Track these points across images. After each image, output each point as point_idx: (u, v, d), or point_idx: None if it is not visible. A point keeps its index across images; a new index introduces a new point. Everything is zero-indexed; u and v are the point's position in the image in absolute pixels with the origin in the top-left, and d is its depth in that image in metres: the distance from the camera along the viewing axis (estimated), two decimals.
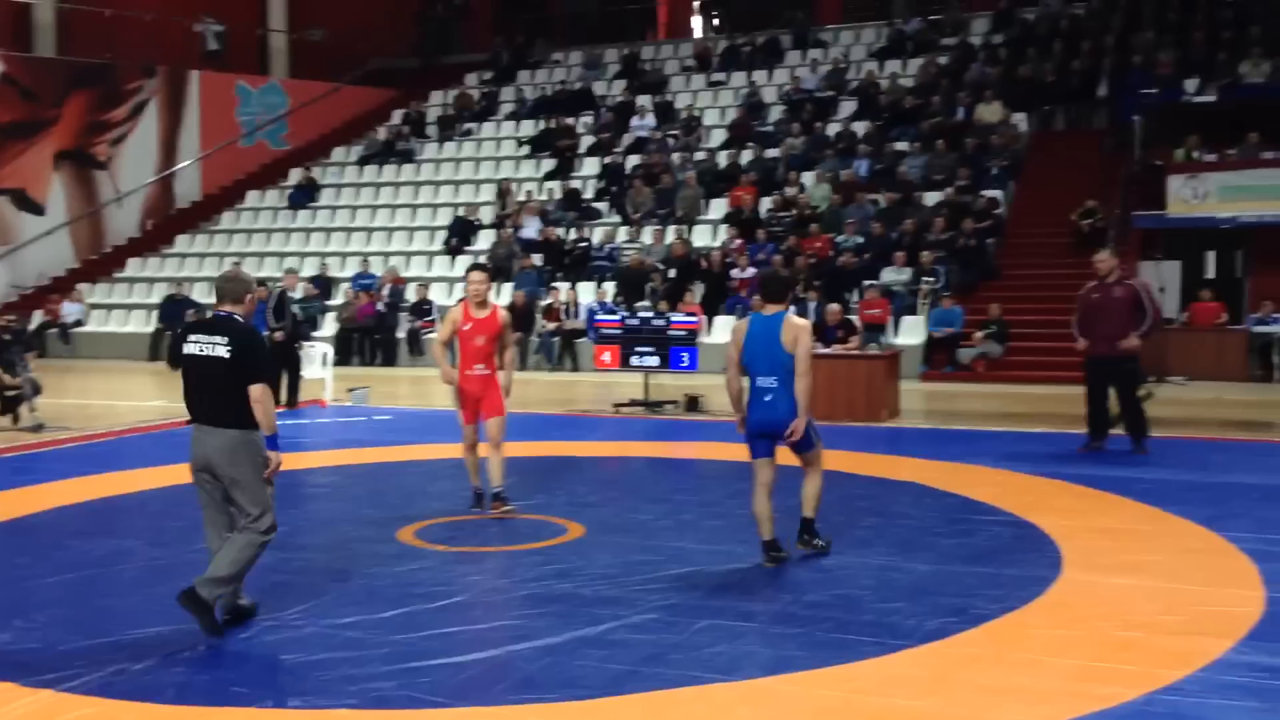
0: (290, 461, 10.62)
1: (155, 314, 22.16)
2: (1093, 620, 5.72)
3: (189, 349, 5.75)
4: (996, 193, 19.76)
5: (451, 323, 8.10)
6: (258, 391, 5.65)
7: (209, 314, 5.95)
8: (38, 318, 22.48)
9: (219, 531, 5.74)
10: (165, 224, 26.37)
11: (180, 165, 26.95)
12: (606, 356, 14.11)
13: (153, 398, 16.18)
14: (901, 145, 21.32)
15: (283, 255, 23.24)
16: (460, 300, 8.31)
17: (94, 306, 23.29)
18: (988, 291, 17.88)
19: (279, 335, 14.00)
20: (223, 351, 5.63)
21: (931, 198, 19.74)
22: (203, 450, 5.68)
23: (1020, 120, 21.43)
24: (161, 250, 25.14)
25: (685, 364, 13.71)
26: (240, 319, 5.80)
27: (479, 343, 8.01)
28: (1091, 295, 10.56)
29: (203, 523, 5.84)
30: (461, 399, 8.12)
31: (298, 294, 17.42)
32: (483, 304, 8.08)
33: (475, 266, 8.28)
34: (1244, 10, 22.08)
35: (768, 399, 6.72)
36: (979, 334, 16.83)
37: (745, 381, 6.90)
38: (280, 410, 13.76)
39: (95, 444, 11.66)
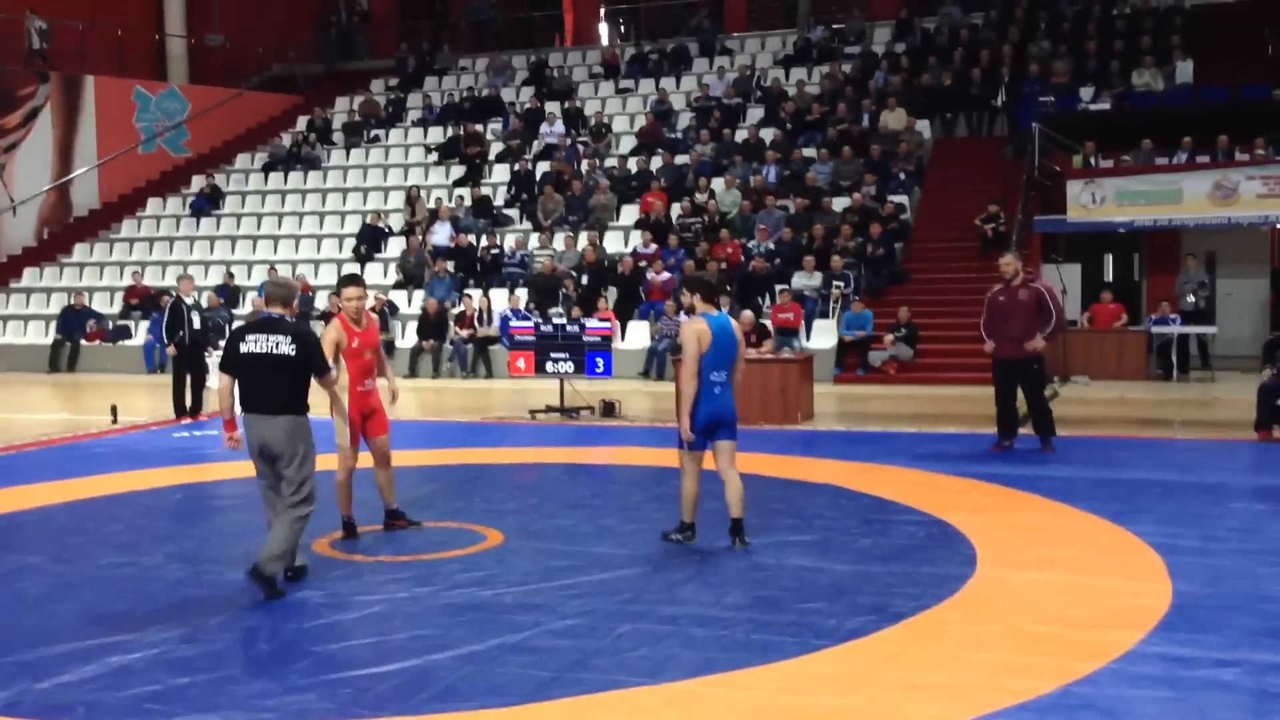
0: (199, 473, 10.43)
1: (54, 324, 21.51)
2: (1008, 616, 5.83)
3: (246, 348, 6.44)
4: (902, 198, 20.11)
5: (333, 343, 7.43)
6: (332, 377, 6.82)
7: (260, 316, 6.70)
8: None
9: (274, 508, 6.55)
10: (63, 233, 25.65)
11: (77, 172, 26.22)
12: (521, 363, 14.04)
13: (54, 410, 15.72)
14: (809, 152, 21.58)
15: (186, 264, 22.75)
16: (334, 316, 7.77)
17: None
18: (896, 295, 18.18)
19: (171, 350, 13.74)
20: (287, 349, 6.42)
21: (840, 203, 20.00)
22: (260, 436, 6.44)
23: (924, 127, 21.84)
24: (59, 259, 24.44)
25: (600, 370, 13.70)
26: (290, 320, 6.58)
27: (368, 356, 7.67)
28: (998, 298, 10.78)
29: (263, 501, 6.69)
30: (353, 422, 7.63)
31: (203, 302, 17.05)
32: (358, 318, 7.66)
33: (349, 279, 7.77)
34: (1135, 22, 22.79)
35: (717, 392, 7.14)
36: (889, 337, 17.10)
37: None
38: (186, 421, 13.56)
39: None
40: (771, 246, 19.28)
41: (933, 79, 22.58)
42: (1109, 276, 19.65)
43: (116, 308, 22.10)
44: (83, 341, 21.15)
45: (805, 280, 18.46)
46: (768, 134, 22.44)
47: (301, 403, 6.53)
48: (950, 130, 22.42)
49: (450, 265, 20.76)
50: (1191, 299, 17.74)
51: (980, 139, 22.01)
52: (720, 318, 7.23)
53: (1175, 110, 19.69)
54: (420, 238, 21.59)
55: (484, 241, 21.29)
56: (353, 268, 21.99)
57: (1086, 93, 20.88)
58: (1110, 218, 18.10)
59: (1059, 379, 14.81)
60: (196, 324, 13.86)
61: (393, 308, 19.71)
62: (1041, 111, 19.66)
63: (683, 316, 7.25)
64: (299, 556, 6.65)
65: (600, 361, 13.67)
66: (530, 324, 14.44)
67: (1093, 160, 18.95)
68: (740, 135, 22.62)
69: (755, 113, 23.58)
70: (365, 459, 7.86)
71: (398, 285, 20.95)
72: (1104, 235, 19.07)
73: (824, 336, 17.71)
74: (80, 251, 24.54)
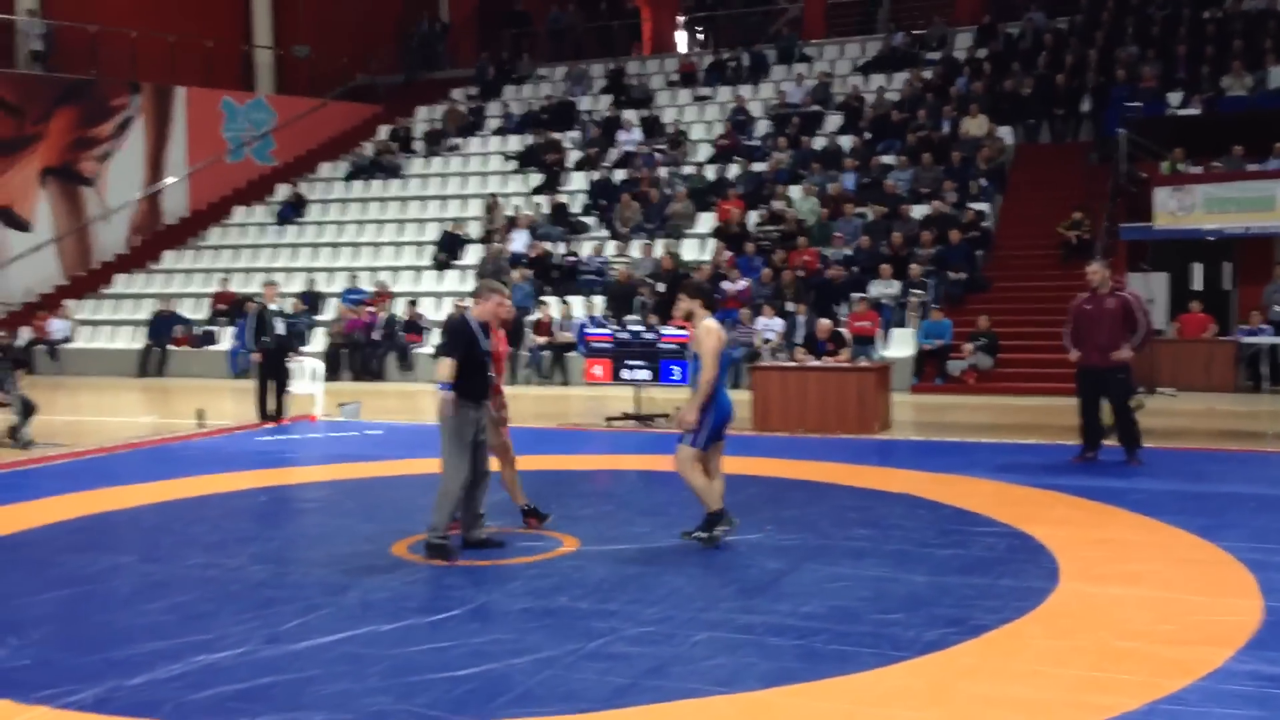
0: (281, 476, 10.65)
1: (144, 330, 22.07)
2: (1091, 630, 5.72)
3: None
4: (983, 205, 19.84)
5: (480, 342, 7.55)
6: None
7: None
8: (25, 335, 22.36)
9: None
10: (153, 240, 26.31)
11: (167, 181, 26.90)
12: (598, 370, 14.10)
13: (142, 413, 16.13)
14: (888, 159, 21.40)
15: (270, 270, 23.17)
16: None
17: (82, 323, 23.19)
18: (976, 303, 17.94)
19: (256, 356, 14.00)
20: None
21: (919, 211, 19.80)
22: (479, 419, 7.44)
23: (1005, 133, 21.54)
24: (149, 266, 25.07)
25: (676, 377, 13.69)
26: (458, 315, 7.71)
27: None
28: (1084, 306, 10.59)
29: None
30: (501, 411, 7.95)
31: (287, 308, 17.37)
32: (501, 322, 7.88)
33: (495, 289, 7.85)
34: (1225, 25, 22.26)
35: (726, 392, 7.62)
36: (968, 346, 16.87)
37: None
38: (269, 425, 13.83)
39: (86, 460, 11.58)
40: (849, 254, 19.14)
41: (1015, 84, 22.26)
42: (1197, 285, 19.18)
43: (204, 314, 22.62)
44: (171, 347, 21.66)
45: (883, 288, 18.30)
46: (846, 141, 22.29)
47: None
48: (1034, 136, 22.07)
49: (529, 272, 20.91)
50: None
51: (1065, 145, 21.64)
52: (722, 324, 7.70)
53: (1267, 115, 19.16)
54: (499, 245, 21.78)
55: (561, 249, 21.42)
56: (431, 275, 22.27)
57: (1175, 98, 20.43)
58: (1199, 225, 17.69)
59: (1145, 390, 14.49)
60: (280, 330, 14.11)
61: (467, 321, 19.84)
62: (1128, 117, 19.28)
63: (710, 321, 7.39)
64: (482, 532, 7.50)
65: (676, 369, 13.66)
66: (607, 331, 14.48)
67: (1181, 167, 18.53)
68: (818, 143, 22.50)
69: (834, 120, 23.44)
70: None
71: (475, 293, 21.12)
72: (1192, 243, 18.62)
73: (902, 345, 17.53)
74: (169, 259, 25.16)
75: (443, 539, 7.28)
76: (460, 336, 7.43)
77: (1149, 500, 8.78)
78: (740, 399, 15.31)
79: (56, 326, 22.65)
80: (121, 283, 24.65)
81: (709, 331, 7.46)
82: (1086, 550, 7.29)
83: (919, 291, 18.01)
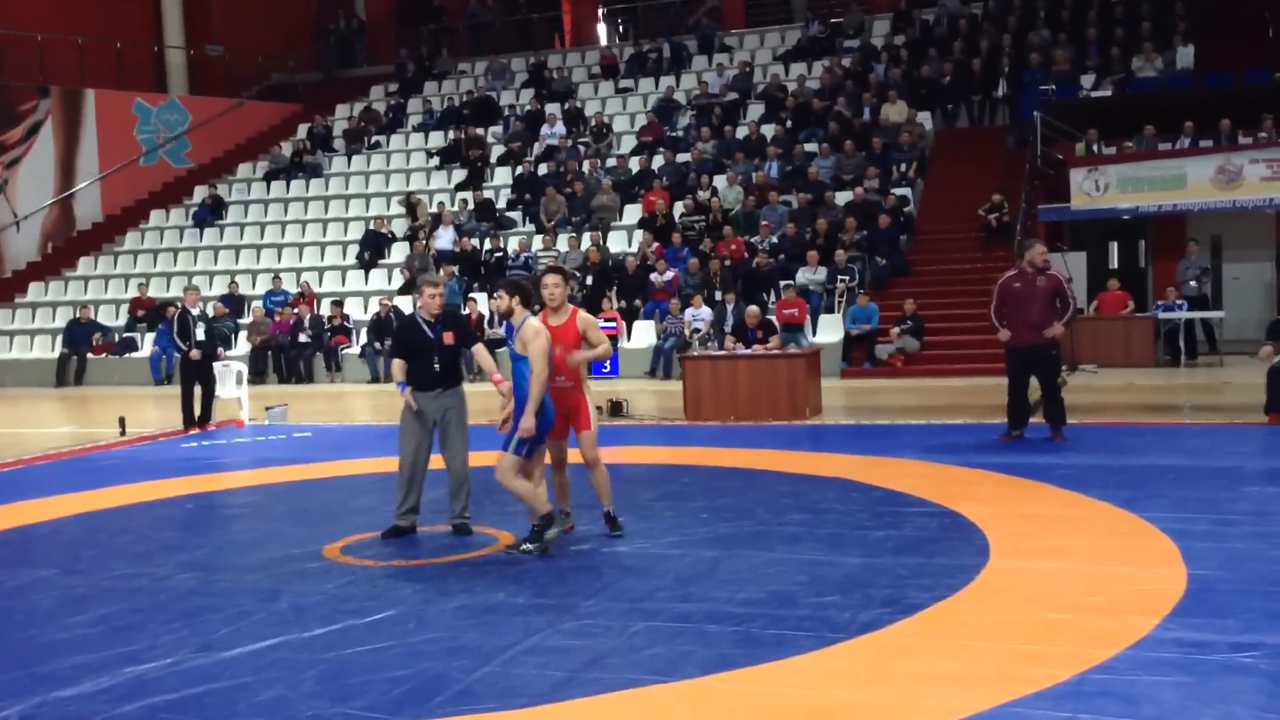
0: (208, 483, 10.45)
1: (60, 338, 21.55)
2: (1022, 604, 5.81)
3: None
4: (905, 190, 20.08)
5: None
6: None
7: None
8: None
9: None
10: (66, 246, 25.70)
11: (79, 186, 26.27)
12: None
13: (62, 423, 15.75)
14: (810, 147, 21.56)
15: (190, 274, 22.76)
16: (539, 309, 7.52)
17: None
18: (901, 288, 18.15)
19: (195, 354, 13.72)
20: None
21: (842, 197, 19.98)
22: None
23: (925, 119, 21.81)
24: (64, 273, 24.49)
25: (606, 370, 13.68)
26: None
27: (557, 352, 7.33)
28: (1013, 284, 10.71)
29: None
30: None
31: (209, 312, 17.06)
32: (559, 309, 7.46)
33: (551, 269, 7.61)
34: (1133, 8, 22.74)
35: (546, 396, 7.23)
36: (895, 329, 17.07)
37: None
38: (195, 431, 13.57)
39: (4, 473, 11.28)
40: (775, 242, 19.26)
41: (932, 71, 22.54)
42: (1114, 264, 19.61)
43: (122, 320, 22.14)
44: (89, 355, 21.18)
45: (810, 275, 18.44)
46: (769, 130, 22.42)
47: None
48: (952, 121, 22.39)
49: (455, 269, 20.75)
50: (1195, 284, 17.69)
51: (982, 129, 21.97)
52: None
53: (1177, 96, 19.64)
54: (424, 243, 21.60)
55: (488, 245, 21.29)
56: (357, 275, 22.02)
57: (1087, 80, 20.85)
58: (1114, 204, 18.07)
59: (1067, 368, 14.78)
60: (202, 335, 13.85)
61: (397, 313, 19.72)
62: (1043, 100, 19.63)
63: (535, 319, 7.23)
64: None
65: (606, 362, 13.65)
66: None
67: (1095, 148, 18.91)
68: (741, 132, 22.60)
69: (756, 109, 23.56)
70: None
71: (402, 290, 20.96)
72: (1109, 222, 19.03)
73: (830, 331, 17.69)
74: (84, 265, 24.59)
75: (398, 521, 7.82)
76: (400, 334, 8.01)
77: (1074, 475, 8.95)
78: (672, 389, 15.41)
79: None
80: (35, 291, 24.05)
81: (535, 331, 7.05)
82: (1015, 526, 7.41)
83: (845, 278, 18.18)
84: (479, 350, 8.16)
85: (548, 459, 7.59)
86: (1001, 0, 24.45)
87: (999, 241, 18.31)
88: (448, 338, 7.85)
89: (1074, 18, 23.10)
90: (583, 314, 7.57)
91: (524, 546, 7.19)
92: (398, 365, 7.84)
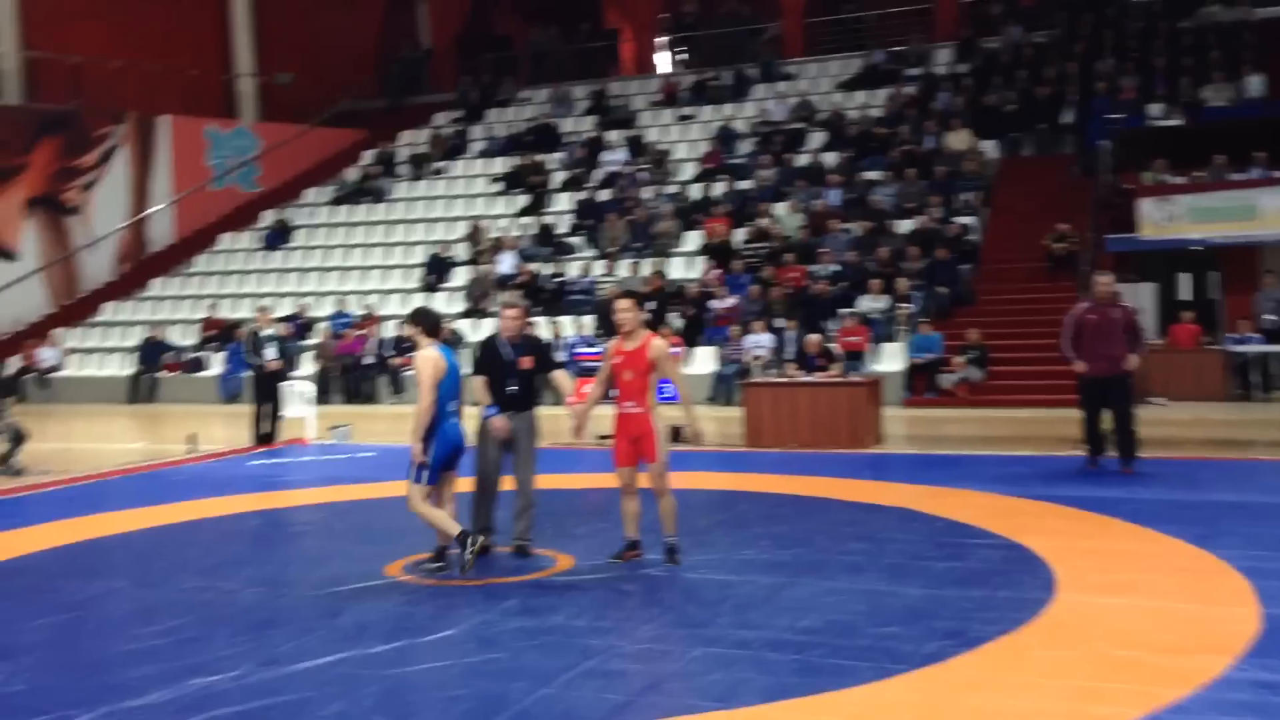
0: (274, 500, 10.60)
1: (134, 357, 22.00)
2: (1089, 641, 5.71)
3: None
4: (969, 219, 19.93)
5: (607, 357, 7.52)
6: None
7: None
8: (14, 364, 22.25)
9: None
10: (139, 268, 26.28)
11: (152, 209, 26.85)
12: (588, 389, 14.03)
13: (134, 440, 16.06)
14: (872, 174, 21.48)
15: (258, 296, 23.13)
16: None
17: (71, 351, 23.12)
18: (965, 317, 17.99)
19: (275, 364, 13.94)
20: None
21: (905, 225, 19.87)
22: None
23: (989, 148, 21.65)
24: (136, 294, 25.01)
25: (666, 395, 13.66)
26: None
27: (627, 377, 7.33)
28: (1088, 316, 10.66)
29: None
30: (616, 437, 7.52)
31: (274, 333, 17.33)
32: (631, 335, 7.39)
33: (624, 293, 7.63)
34: (1202, 37, 22.44)
35: (455, 422, 7.37)
36: (959, 359, 16.90)
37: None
38: (262, 449, 13.77)
39: (79, 486, 11.53)
40: (836, 269, 19.20)
41: (997, 99, 22.39)
42: (1184, 295, 19.28)
43: (192, 340, 22.56)
44: (161, 373, 21.58)
45: (871, 303, 18.34)
46: (830, 158, 22.38)
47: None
48: (1016, 150, 22.20)
49: (516, 295, 20.91)
50: (1270, 316, 17.33)
51: (1048, 158, 21.76)
52: (448, 350, 7.43)
53: (1248, 125, 19.32)
54: (487, 267, 21.79)
55: (549, 270, 21.43)
56: (420, 298, 22.26)
57: (1155, 109, 20.58)
58: (1184, 235, 17.78)
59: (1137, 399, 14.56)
60: (272, 354, 14.07)
61: (459, 336, 19.89)
62: (1110, 129, 19.40)
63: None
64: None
65: (667, 387, 13.63)
66: (597, 350, 14.47)
67: (1164, 177, 18.64)
68: (802, 159, 22.58)
69: (817, 137, 23.54)
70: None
71: (464, 314, 21.15)
72: (1178, 253, 18.72)
73: (892, 360, 17.57)
74: (157, 286, 25.11)
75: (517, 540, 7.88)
76: (480, 354, 7.95)
77: (1143, 509, 8.78)
78: (732, 415, 15.37)
79: (46, 355, 22.57)
80: (110, 310, 24.59)
81: (425, 360, 7.21)
82: (1082, 560, 7.29)
83: (907, 306, 18.06)
84: (557, 376, 8.19)
85: (456, 487, 7.61)
86: (1067, 29, 24.25)
87: (1064, 272, 18.09)
88: (526, 362, 7.88)
89: (1141, 46, 22.84)
90: (657, 341, 7.49)
91: (429, 566, 7.35)
92: (480, 384, 7.80)
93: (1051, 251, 18.57)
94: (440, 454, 7.25)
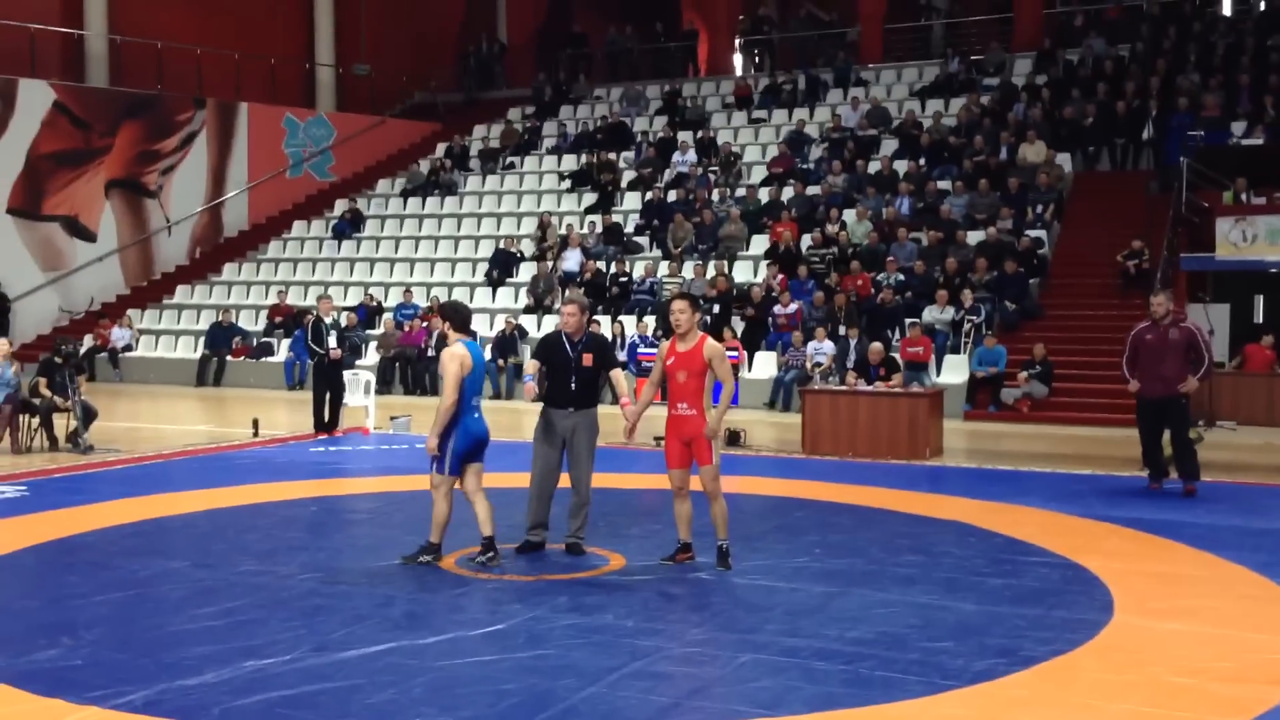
0: (333, 487, 10.74)
1: (202, 340, 22.41)
2: (1145, 665, 5.62)
3: None
4: (1040, 233, 19.65)
5: (659, 358, 7.52)
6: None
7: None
8: (88, 342, 22.78)
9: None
10: (213, 252, 26.75)
11: (229, 195, 27.34)
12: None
13: (199, 422, 16.35)
14: (943, 184, 21.26)
15: (327, 284, 23.46)
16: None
17: (143, 332, 23.59)
18: (1031, 331, 17.74)
19: (336, 353, 14.11)
20: None
21: (974, 237, 19.65)
22: None
23: (1064, 161, 21.33)
24: (209, 278, 25.46)
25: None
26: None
27: (681, 379, 7.30)
28: (1145, 336, 10.54)
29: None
30: (668, 439, 7.51)
31: (341, 321, 17.57)
32: (686, 335, 7.37)
33: (679, 295, 7.50)
34: None
35: (477, 416, 7.45)
36: (1023, 374, 16.67)
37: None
38: (323, 436, 13.95)
39: (144, 466, 11.78)
40: (902, 278, 19.03)
41: (1075, 111, 22.05)
42: (1259, 318, 18.85)
43: (261, 325, 22.92)
44: (228, 357, 21.97)
45: (937, 314, 18.16)
46: (901, 166, 22.20)
47: None
48: (1093, 164, 21.84)
49: (579, 292, 20.98)
50: None
51: (1124, 173, 21.39)
52: (474, 345, 7.52)
53: None
54: (551, 263, 21.90)
55: (613, 268, 21.48)
56: (484, 291, 22.43)
57: (1238, 128, 20.15)
58: (1261, 257, 17.36)
59: (1204, 422, 14.25)
60: (333, 343, 14.25)
61: (521, 332, 20.01)
62: (1190, 145, 19.02)
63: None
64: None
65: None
66: (657, 351, 14.45)
67: (1244, 197, 18.24)
68: (874, 167, 22.42)
69: (890, 144, 23.35)
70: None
71: (527, 310, 21.26)
72: (1255, 275, 18.31)
73: (955, 372, 17.38)
74: (229, 271, 25.54)
75: (529, 536, 7.92)
76: (542, 349, 8.08)
77: (1206, 534, 8.62)
78: (790, 422, 15.31)
79: (118, 335, 23.06)
80: (182, 293, 25.06)
81: (452, 357, 7.29)
82: (1141, 583, 7.17)
83: (973, 318, 17.85)
84: (615, 374, 8.12)
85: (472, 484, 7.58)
86: (1150, 43, 23.81)
87: (1136, 290, 17.76)
88: (587, 359, 7.91)
89: (1227, 63, 22.37)
90: (711, 342, 7.46)
91: (481, 559, 7.44)
92: (532, 363, 8.07)
93: (1124, 269, 18.25)
94: (461, 446, 7.31)
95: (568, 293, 8.47)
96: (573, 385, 7.85)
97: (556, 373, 7.88)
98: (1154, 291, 11.00)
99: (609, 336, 19.34)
